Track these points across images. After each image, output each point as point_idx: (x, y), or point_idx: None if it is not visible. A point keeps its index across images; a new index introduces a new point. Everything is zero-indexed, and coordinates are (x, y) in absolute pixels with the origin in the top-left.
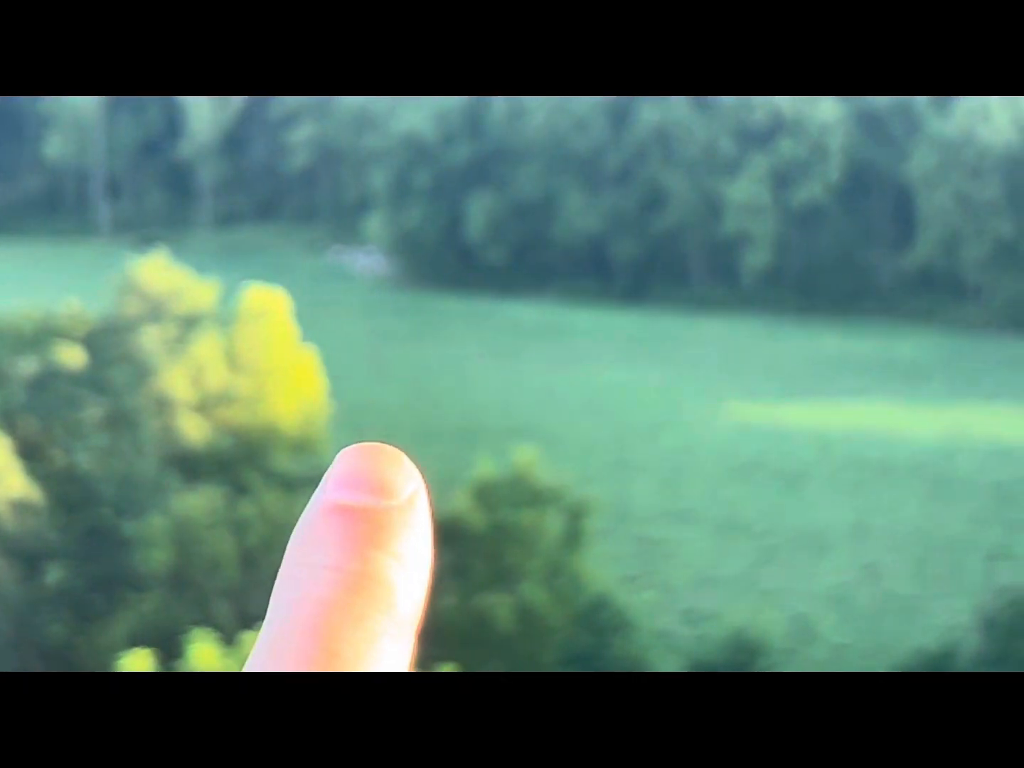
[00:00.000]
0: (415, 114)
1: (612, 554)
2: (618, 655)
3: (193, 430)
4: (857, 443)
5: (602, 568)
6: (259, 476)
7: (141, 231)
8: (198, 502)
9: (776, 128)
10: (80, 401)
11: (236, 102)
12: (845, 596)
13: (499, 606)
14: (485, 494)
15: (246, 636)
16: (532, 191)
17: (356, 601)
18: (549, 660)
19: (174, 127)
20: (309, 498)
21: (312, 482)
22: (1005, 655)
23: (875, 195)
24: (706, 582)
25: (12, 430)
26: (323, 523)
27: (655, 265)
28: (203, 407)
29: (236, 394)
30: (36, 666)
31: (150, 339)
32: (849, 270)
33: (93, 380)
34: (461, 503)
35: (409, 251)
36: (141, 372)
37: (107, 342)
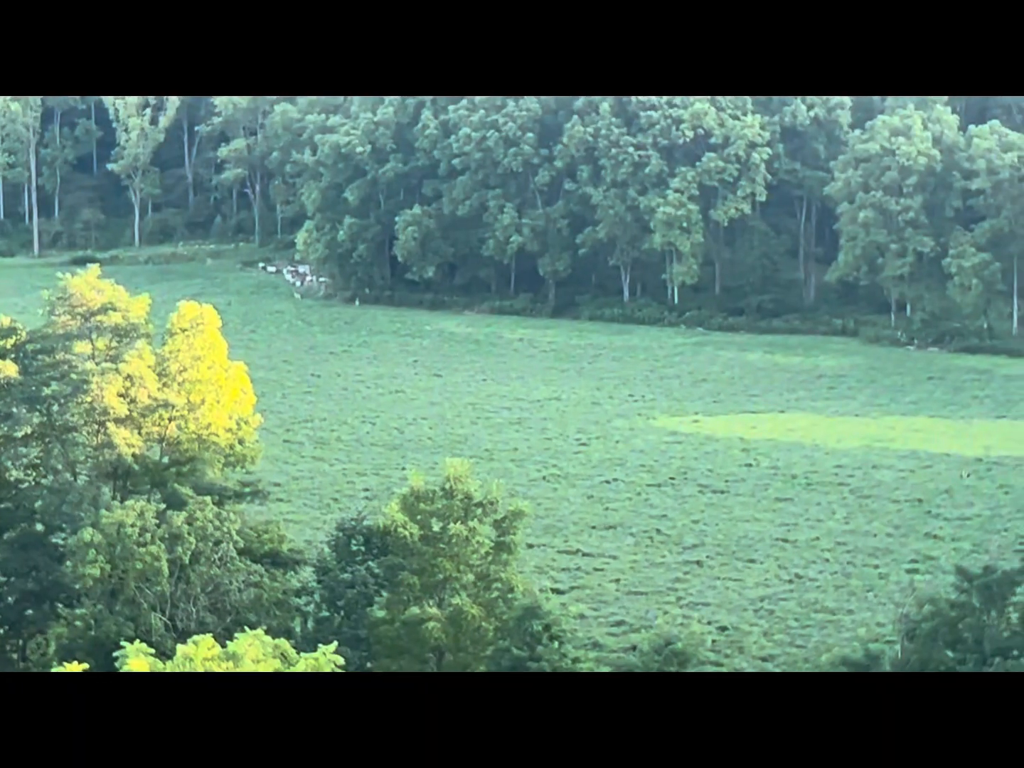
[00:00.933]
0: (345, 130)
1: (541, 566)
2: (547, 666)
3: (125, 443)
4: (782, 455)
5: (532, 580)
6: (190, 489)
7: (73, 247)
8: (130, 515)
9: (703, 144)
10: (12, 415)
11: (166, 118)
12: (771, 607)
13: (430, 617)
14: (416, 506)
15: (179, 648)
16: (462, 207)
17: None
18: (479, 670)
19: (107, 144)
20: (240, 511)
21: (243, 495)
22: (926, 663)
23: (799, 211)
24: (634, 594)
25: None
26: None
27: (584, 280)
28: (135, 420)
29: (168, 408)
30: None
31: (82, 353)
32: (774, 284)
33: (25, 394)
34: (393, 515)
35: (340, 266)
36: (73, 386)
37: (40, 356)
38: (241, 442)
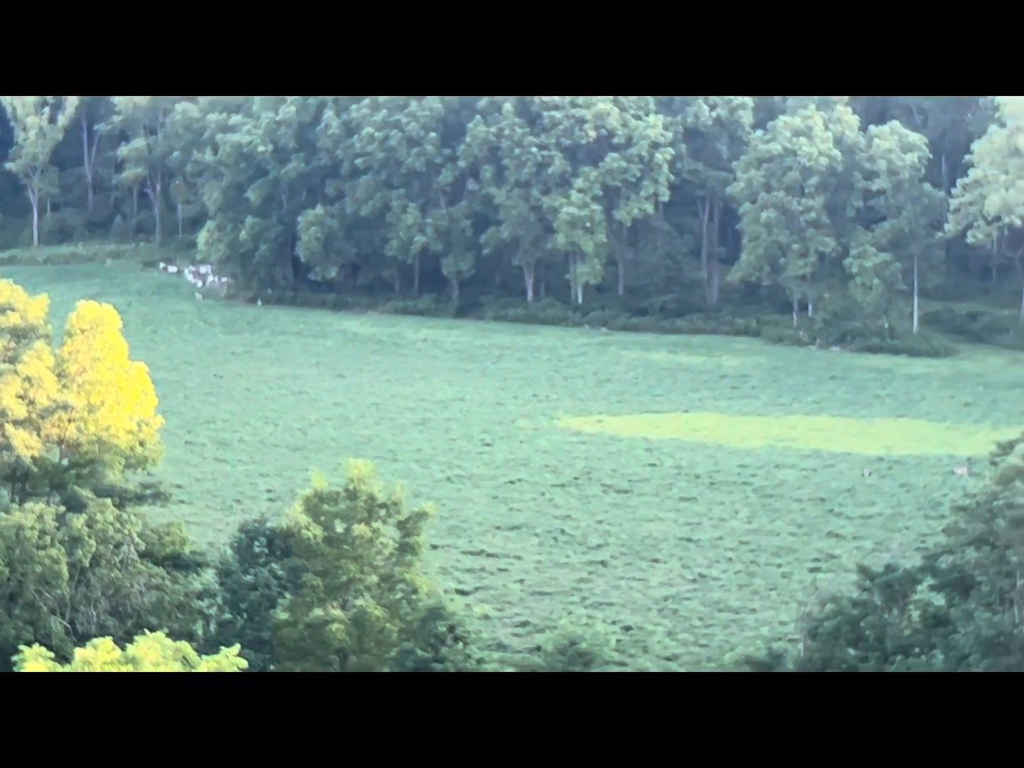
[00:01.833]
0: (247, 129)
1: (446, 567)
2: (452, 667)
3: (24, 445)
4: (685, 455)
5: (436, 581)
6: (90, 491)
7: None
8: (29, 518)
9: (606, 145)
10: None
11: (65, 117)
12: (675, 606)
13: (334, 619)
14: (320, 508)
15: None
16: (365, 207)
17: None
18: (384, 672)
19: (4, 143)
20: (141, 513)
21: (144, 497)
22: (828, 661)
23: (702, 211)
24: (538, 594)
25: None
26: None
27: (488, 280)
28: (34, 422)
29: (67, 409)
30: None
31: None
32: (677, 284)
33: None
34: (296, 517)
35: (241, 266)
36: None
37: None
38: (142, 444)
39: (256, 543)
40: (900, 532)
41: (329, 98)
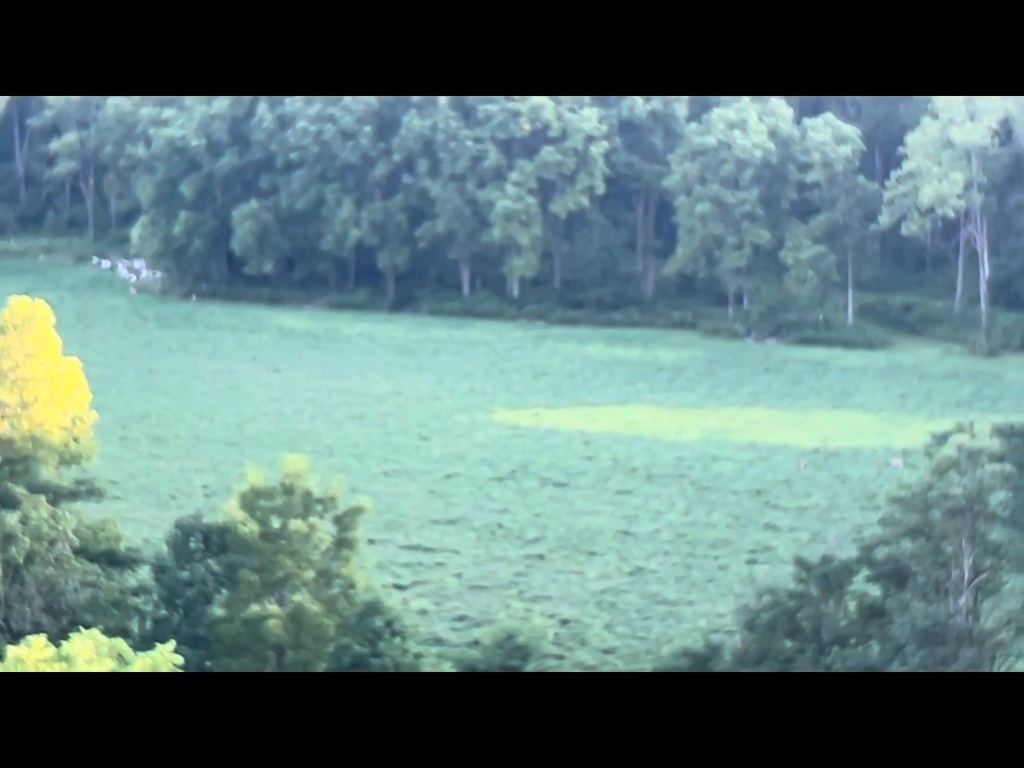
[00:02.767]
0: (180, 123)
1: (383, 562)
2: (389, 662)
3: None
4: (622, 448)
5: (373, 576)
6: (24, 488)
7: None
8: None
9: (542, 138)
10: None
11: None
12: (612, 599)
13: (271, 614)
14: (256, 503)
15: (11, 650)
16: (299, 201)
17: None
18: (321, 668)
19: None
20: (75, 510)
21: (78, 494)
22: (766, 653)
23: (638, 204)
24: (476, 588)
25: None
26: None
27: (423, 274)
28: None
29: (0, 406)
30: None
31: None
32: (613, 277)
33: None
34: (232, 512)
35: (175, 260)
36: None
37: None
38: (76, 440)
39: (192, 539)
40: (836, 523)
41: None
